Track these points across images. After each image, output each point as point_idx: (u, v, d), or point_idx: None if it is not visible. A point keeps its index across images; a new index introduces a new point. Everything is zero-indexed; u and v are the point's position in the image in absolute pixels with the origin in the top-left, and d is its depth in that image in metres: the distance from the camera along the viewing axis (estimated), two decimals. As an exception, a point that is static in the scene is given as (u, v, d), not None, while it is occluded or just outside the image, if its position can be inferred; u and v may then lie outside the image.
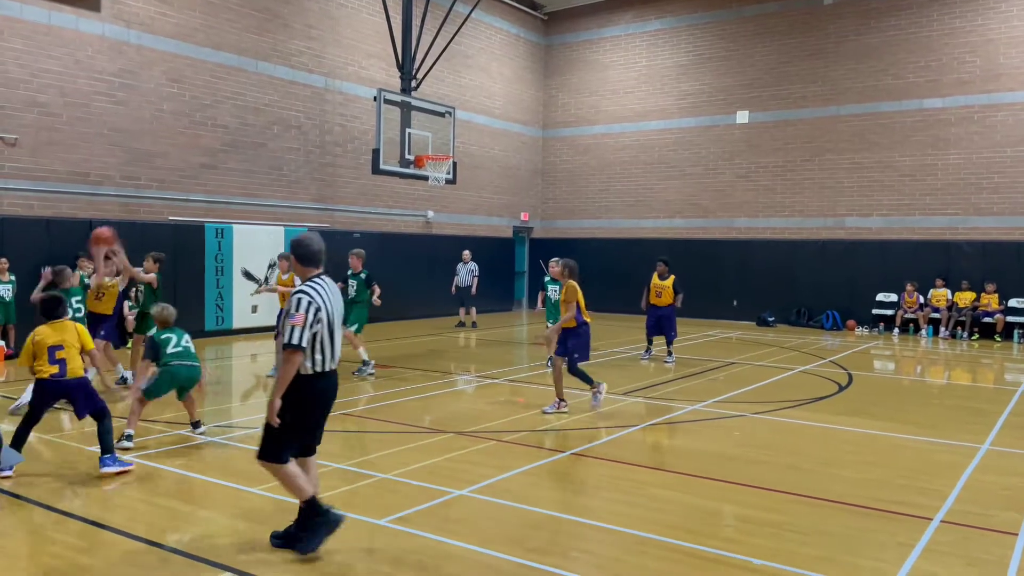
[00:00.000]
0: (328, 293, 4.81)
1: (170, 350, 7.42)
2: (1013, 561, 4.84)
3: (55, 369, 6.20)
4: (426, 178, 17.34)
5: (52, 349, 6.21)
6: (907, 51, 19.45)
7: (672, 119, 22.91)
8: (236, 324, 16.21)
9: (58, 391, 6.31)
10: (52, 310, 6.41)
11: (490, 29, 23.17)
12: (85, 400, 6.34)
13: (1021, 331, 17.68)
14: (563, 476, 6.78)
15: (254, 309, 16.49)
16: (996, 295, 17.96)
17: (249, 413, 9.16)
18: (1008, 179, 18.28)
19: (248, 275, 12.63)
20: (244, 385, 11.64)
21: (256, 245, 16.53)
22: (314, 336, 4.69)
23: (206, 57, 15.78)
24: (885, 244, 19.62)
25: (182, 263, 15.23)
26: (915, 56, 19.36)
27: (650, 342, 14.01)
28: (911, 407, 10.15)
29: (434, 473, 6.57)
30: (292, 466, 4.81)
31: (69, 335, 6.34)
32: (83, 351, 6.41)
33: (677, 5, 22.85)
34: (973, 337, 17.97)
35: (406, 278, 19.37)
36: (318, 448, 5.16)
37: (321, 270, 4.92)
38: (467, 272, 19.17)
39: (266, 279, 16.92)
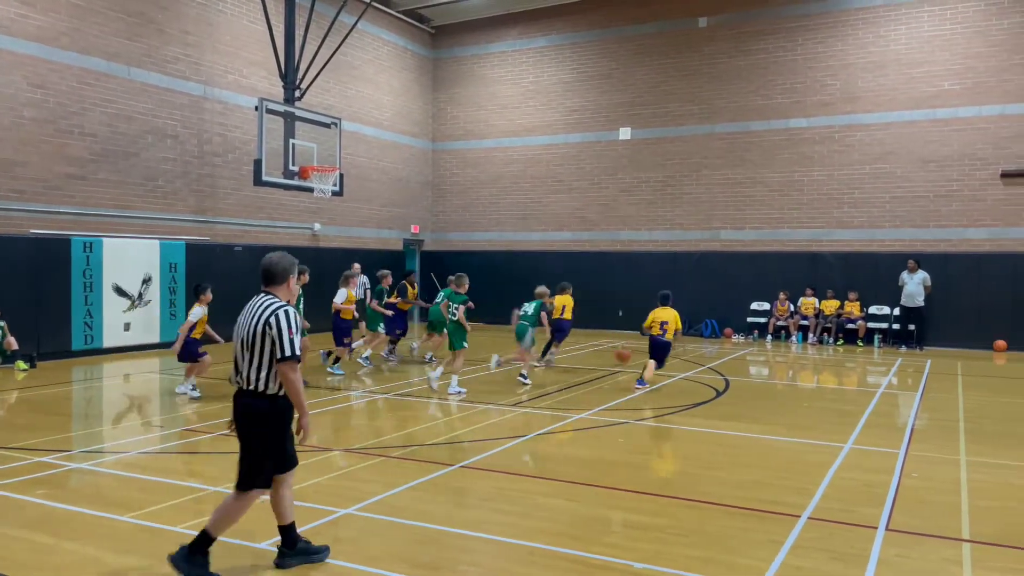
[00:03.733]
0: (244, 313, 4.71)
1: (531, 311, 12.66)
2: (873, 554, 5.17)
3: (658, 331, 11.97)
4: (311, 190, 16.99)
5: (662, 323, 11.87)
6: (774, 73, 20.62)
7: (558, 134, 23.39)
8: (107, 343, 15.33)
9: (658, 345, 11.97)
10: (666, 298, 12.32)
11: (377, 40, 23.00)
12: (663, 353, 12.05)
13: (880, 336, 19.00)
14: (451, 490, 6.76)
15: (126, 327, 15.68)
16: (857, 303, 19.23)
17: (121, 437, 8.66)
18: (866, 195, 19.64)
19: (120, 291, 12.02)
20: (116, 408, 11.01)
21: (128, 259, 15.74)
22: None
23: (72, 62, 14.94)
24: (757, 255, 20.67)
25: (45, 279, 14.33)
26: (782, 78, 20.55)
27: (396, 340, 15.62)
28: (783, 410, 10.70)
29: (319, 492, 6.41)
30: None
31: (668, 315, 12.07)
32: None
33: (561, 23, 23.38)
34: (838, 343, 19.16)
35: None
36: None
37: (267, 288, 4.77)
38: (360, 285, 19.14)
39: (140, 295, 16.18)
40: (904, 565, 5.00)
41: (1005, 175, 18.18)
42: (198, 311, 10.72)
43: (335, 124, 17.66)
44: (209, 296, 10.88)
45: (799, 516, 5.89)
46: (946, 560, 5.09)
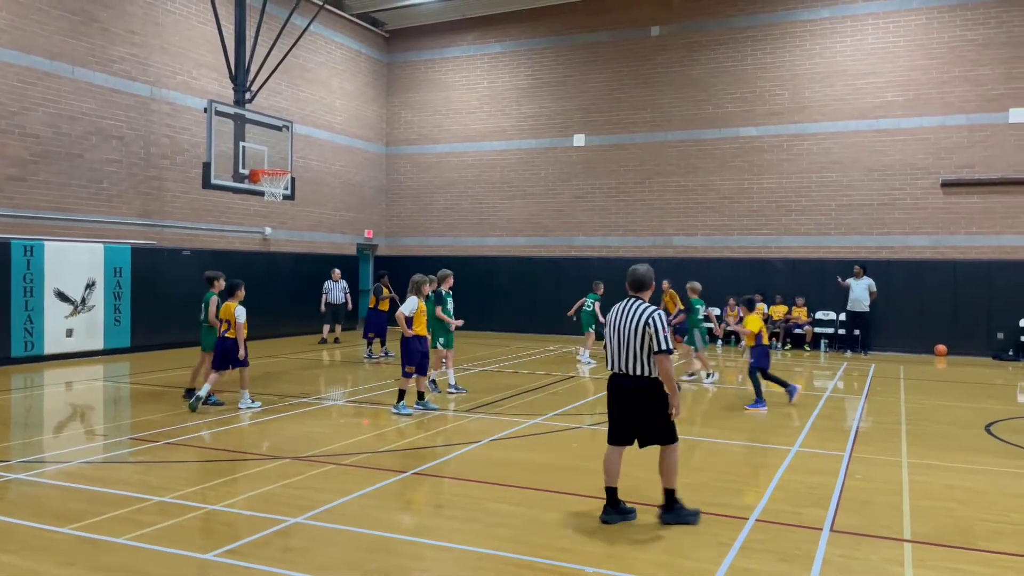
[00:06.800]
0: (616, 312, 5.94)
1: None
2: (819, 554, 5.28)
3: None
4: (262, 193, 16.74)
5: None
6: (725, 83, 20.98)
7: (513, 140, 23.45)
8: (48, 350, 14.88)
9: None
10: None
11: (330, 44, 22.81)
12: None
13: (827, 341, 19.43)
14: (403, 497, 6.72)
15: (69, 333, 15.25)
16: (805, 308, 19.64)
17: (62, 447, 8.42)
18: (813, 202, 20.09)
19: (62, 296, 11.65)
20: (58, 416, 10.69)
21: (71, 263, 15.32)
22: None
23: (12, 60, 14.51)
24: (708, 261, 20.97)
25: (-17, 283, 13.87)
26: (732, 88, 20.92)
27: (370, 342, 16.27)
28: (731, 414, 10.86)
29: (268, 501, 6.31)
30: (608, 452, 5.99)
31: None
32: None
33: (516, 29, 23.47)
34: (786, 347, 19.54)
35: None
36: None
37: (635, 294, 5.98)
38: (340, 290, 19.37)
39: (83, 300, 15.76)
40: (848, 565, 5.12)
41: (945, 184, 18.77)
42: (240, 310, 10.25)
43: (287, 127, 17.45)
44: (242, 294, 10.41)
45: (747, 518, 5.99)
46: (888, 560, 5.22)
